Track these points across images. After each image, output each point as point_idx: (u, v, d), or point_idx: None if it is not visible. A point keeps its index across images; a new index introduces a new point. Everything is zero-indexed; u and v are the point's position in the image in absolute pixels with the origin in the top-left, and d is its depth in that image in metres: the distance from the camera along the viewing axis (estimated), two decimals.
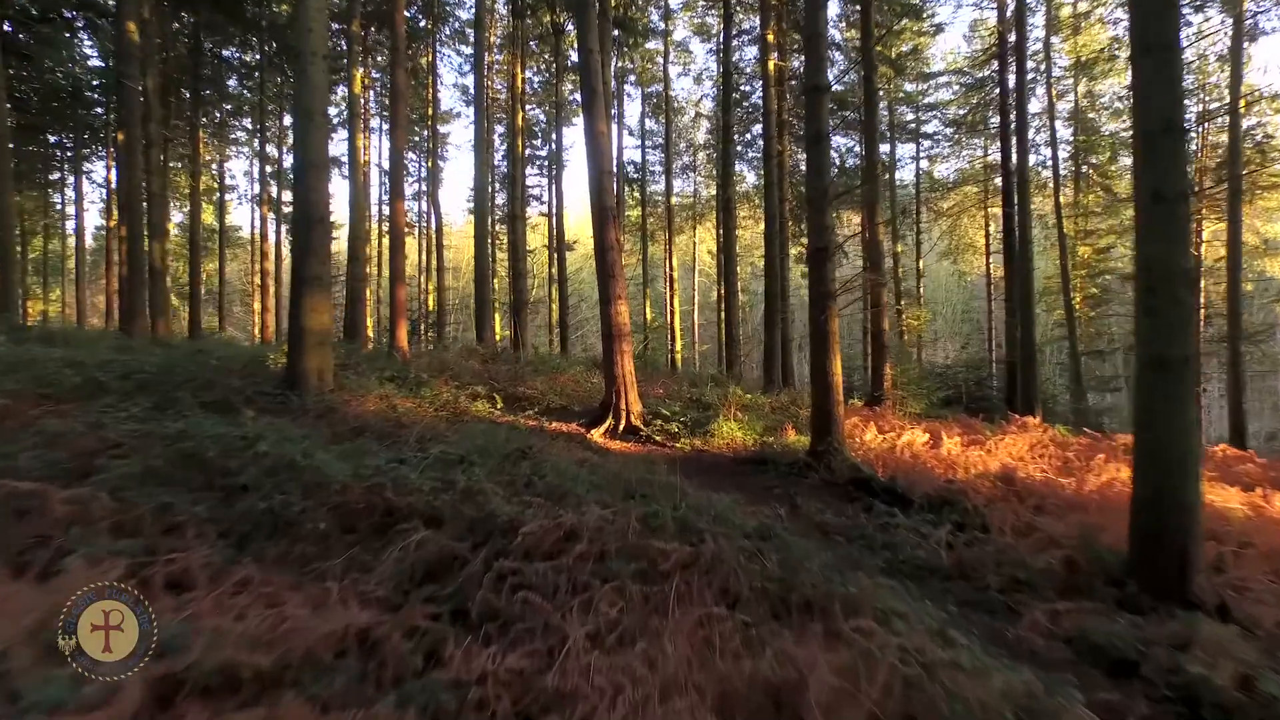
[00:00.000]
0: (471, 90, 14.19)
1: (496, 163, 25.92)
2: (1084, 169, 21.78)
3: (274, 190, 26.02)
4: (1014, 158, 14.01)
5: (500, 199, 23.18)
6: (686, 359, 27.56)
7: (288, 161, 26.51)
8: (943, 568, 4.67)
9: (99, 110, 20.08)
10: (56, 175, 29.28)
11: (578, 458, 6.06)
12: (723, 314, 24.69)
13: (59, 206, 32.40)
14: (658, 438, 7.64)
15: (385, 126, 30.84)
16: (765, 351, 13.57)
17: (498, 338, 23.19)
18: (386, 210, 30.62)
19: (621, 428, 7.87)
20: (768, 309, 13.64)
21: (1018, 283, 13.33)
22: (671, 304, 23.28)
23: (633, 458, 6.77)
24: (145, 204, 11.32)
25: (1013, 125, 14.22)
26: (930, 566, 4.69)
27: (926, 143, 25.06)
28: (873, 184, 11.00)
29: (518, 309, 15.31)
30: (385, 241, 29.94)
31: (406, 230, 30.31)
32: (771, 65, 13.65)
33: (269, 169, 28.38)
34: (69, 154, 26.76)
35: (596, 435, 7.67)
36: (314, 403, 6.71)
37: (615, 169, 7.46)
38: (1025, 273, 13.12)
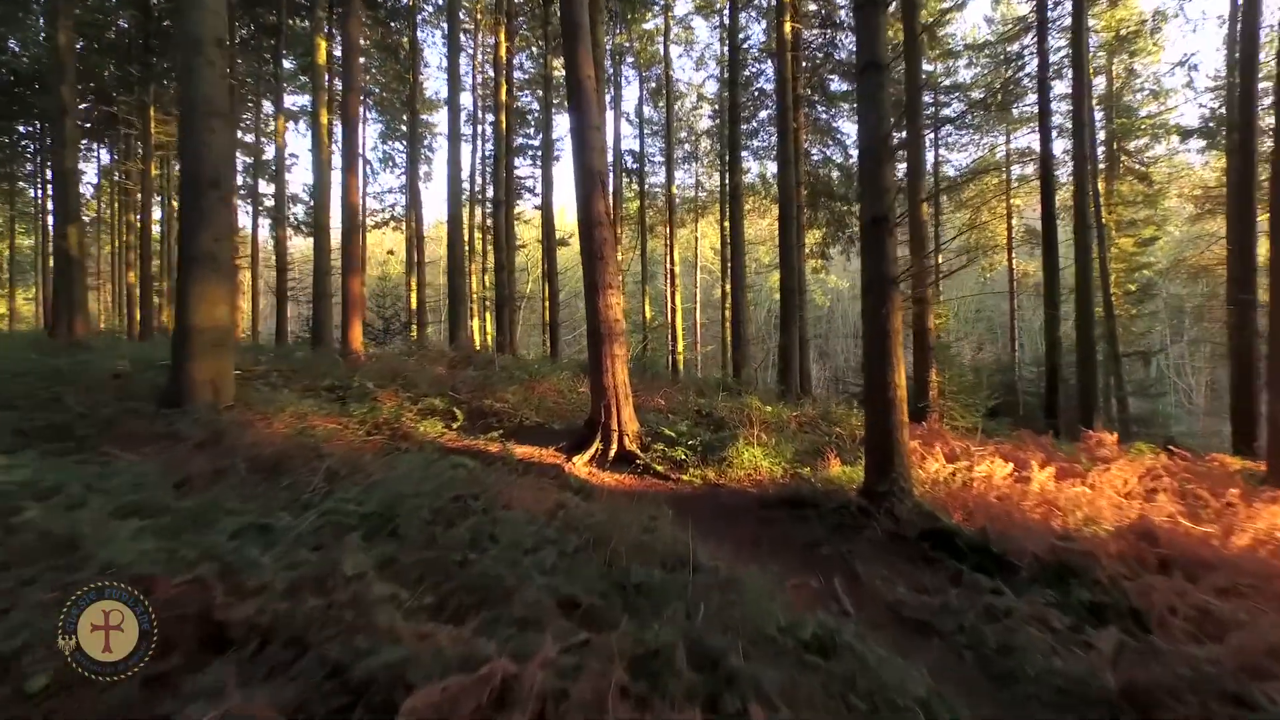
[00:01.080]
0: (446, 63, 12.60)
1: (487, 154, 24.23)
2: (1120, 155, 20.07)
3: (251, 180, 24.32)
4: (1057, 138, 12.31)
5: (490, 191, 21.46)
6: (689, 361, 25.85)
7: (268, 154, 24.85)
8: (1108, 697, 2.91)
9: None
10: (31, 167, 27.62)
11: (548, 506, 4.34)
12: (728, 312, 22.99)
13: (36, 199, 30.76)
14: (659, 467, 5.91)
15: (367, 114, 29.32)
16: (781, 354, 11.85)
17: (487, 338, 21.47)
18: (363, 199, 28.96)
19: (612, 453, 6.14)
20: (784, 305, 11.93)
21: (1074, 274, 11.62)
22: (673, 301, 21.56)
23: (626, 501, 5.07)
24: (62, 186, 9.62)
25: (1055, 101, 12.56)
26: (1086, 693, 2.94)
27: (946, 129, 23.30)
28: (918, 143, 9.30)
29: (501, 306, 13.59)
30: (362, 236, 28.27)
31: (391, 224, 28.67)
32: (787, 27, 11.94)
33: (248, 159, 26.69)
34: (39, 144, 25.05)
35: (579, 465, 5.95)
36: (199, 426, 5.01)
37: (602, 125, 5.90)
38: (1084, 263, 11.41)
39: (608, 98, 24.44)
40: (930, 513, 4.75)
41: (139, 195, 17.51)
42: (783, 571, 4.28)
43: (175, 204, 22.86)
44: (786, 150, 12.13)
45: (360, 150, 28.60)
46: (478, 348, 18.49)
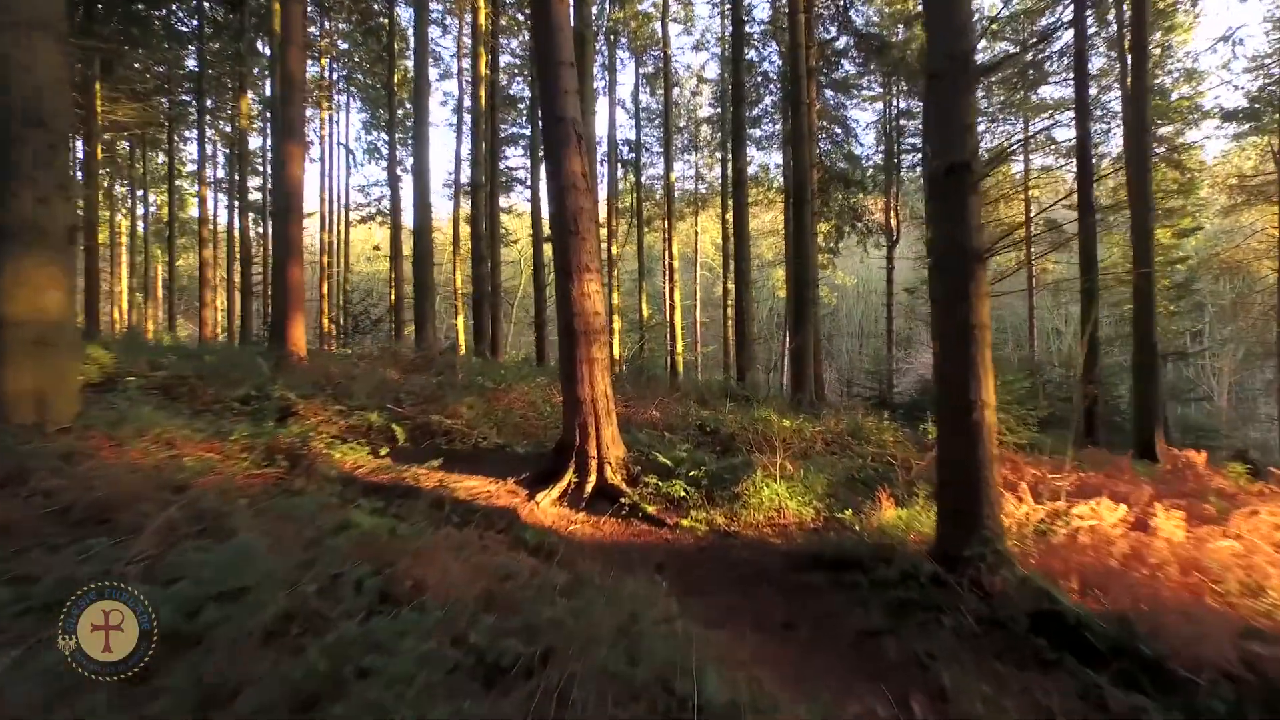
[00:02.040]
0: (413, 31, 11.17)
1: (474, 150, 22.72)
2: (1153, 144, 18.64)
3: (219, 170, 22.87)
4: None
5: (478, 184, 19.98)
6: (688, 362, 24.39)
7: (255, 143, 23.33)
8: None
9: None
10: None
11: (483, 584, 2.91)
12: (730, 310, 21.53)
13: None
14: (650, 508, 4.45)
15: (352, 103, 27.88)
16: (793, 357, 10.39)
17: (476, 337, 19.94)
18: (346, 192, 27.49)
19: (589, 488, 4.68)
20: (796, 300, 10.48)
21: (1133, 264, 10.17)
22: (671, 298, 20.10)
23: (602, 563, 3.63)
24: None
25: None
26: None
27: None
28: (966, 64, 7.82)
29: (480, 302, 12.12)
30: (343, 230, 26.77)
31: (379, 218, 27.17)
32: None
33: (223, 148, 25.24)
34: None
35: (545, 505, 4.49)
36: (9, 454, 3.56)
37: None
38: (1143, 251, 9.95)
39: (601, 83, 22.99)
40: (1040, 588, 3.29)
41: None
42: (832, 682, 2.86)
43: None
44: (800, 125, 10.68)
45: (346, 142, 27.12)
46: (463, 349, 17.06)
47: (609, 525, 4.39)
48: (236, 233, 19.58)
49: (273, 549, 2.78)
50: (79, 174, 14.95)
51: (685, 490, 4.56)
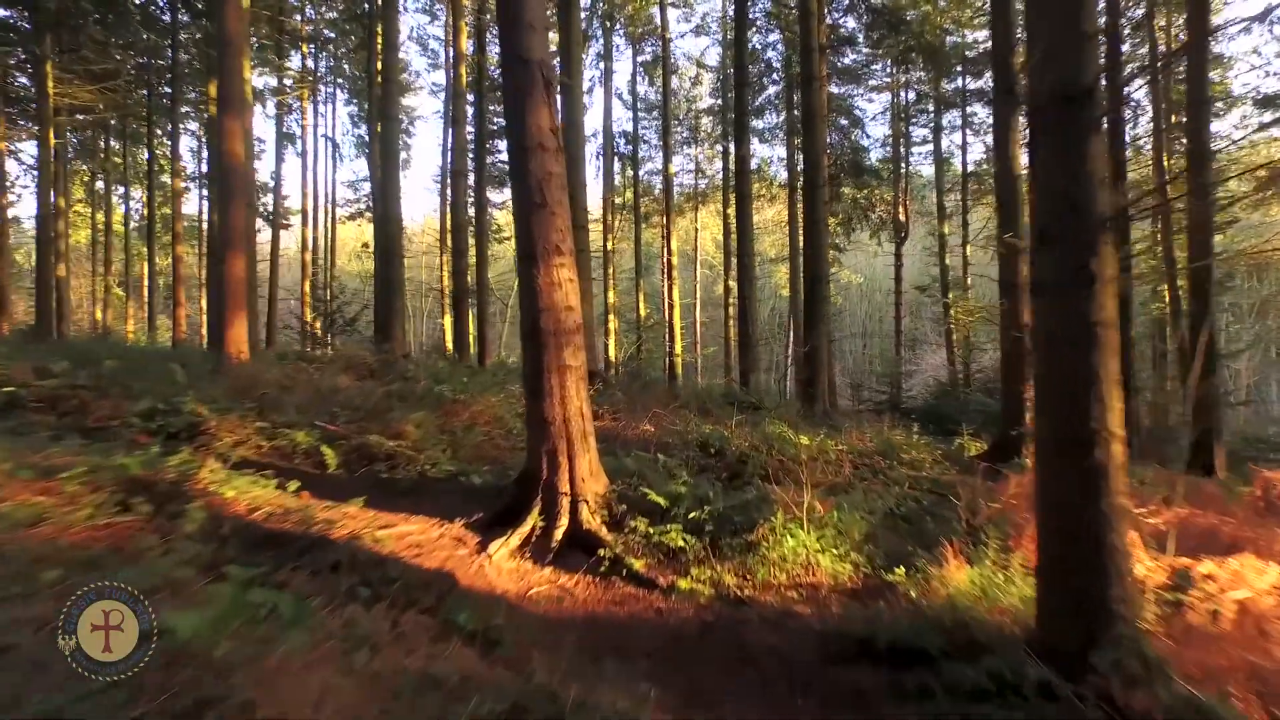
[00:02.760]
0: None
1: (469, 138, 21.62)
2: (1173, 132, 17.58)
3: (204, 165, 21.81)
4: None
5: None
6: (688, 364, 23.33)
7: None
8: None
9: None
10: None
11: (381, 706, 1.87)
12: (732, 309, 20.47)
13: None
14: (637, 564, 3.38)
15: (339, 94, 26.76)
16: (805, 360, 9.32)
17: (469, 340, 18.85)
18: (333, 187, 26.40)
19: (559, 534, 3.60)
20: (808, 297, 9.41)
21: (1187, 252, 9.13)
22: (670, 297, 19.04)
23: (567, 653, 2.58)
24: None
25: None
26: None
27: (977, 104, 20.69)
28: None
29: (460, 300, 11.04)
30: (330, 227, 25.66)
31: (366, 214, 26.05)
32: None
33: (204, 139, 24.26)
34: None
35: (499, 559, 3.42)
36: None
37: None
38: (1202, 242, 8.88)
39: (597, 71, 21.96)
40: (1211, 711, 2.21)
41: None
42: None
43: None
44: (812, 101, 9.60)
45: (330, 135, 26.01)
46: (450, 350, 15.96)
47: (582, 587, 3.32)
48: (205, 226, 18.49)
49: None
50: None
51: (684, 539, 3.49)
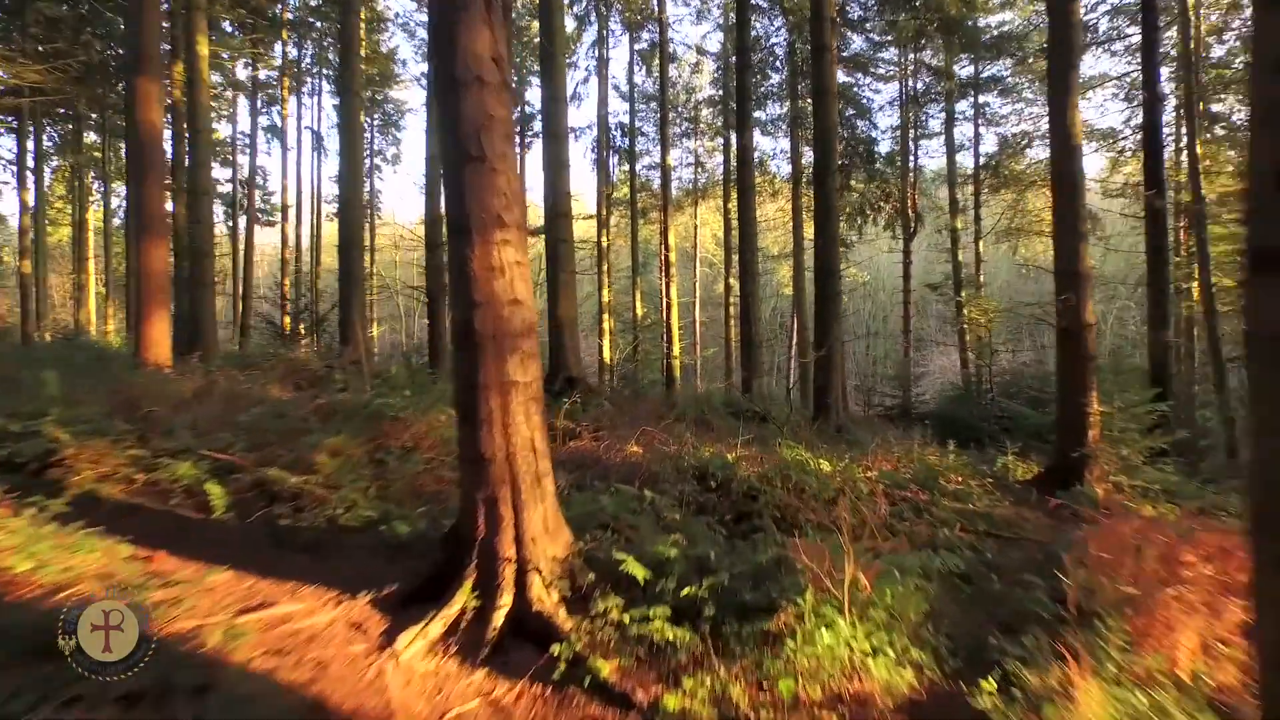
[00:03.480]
0: None
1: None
2: (1203, 121, 16.56)
3: None
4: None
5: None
6: (687, 367, 22.30)
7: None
8: None
9: None
10: None
11: None
12: (733, 308, 19.44)
13: None
14: (605, 669, 2.34)
15: (325, 86, 25.71)
16: (817, 367, 8.28)
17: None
18: (318, 182, 25.33)
19: (499, 621, 2.57)
20: (820, 294, 8.39)
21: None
22: (668, 295, 18.01)
23: None
24: None
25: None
26: None
27: (989, 94, 19.62)
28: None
29: (432, 298, 10.02)
30: (315, 223, 24.60)
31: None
32: None
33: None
34: None
35: (410, 658, 2.37)
36: None
37: None
38: (1265, 230, 7.82)
39: (592, 60, 20.94)
40: None
41: None
42: None
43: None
44: (823, 75, 8.57)
45: (315, 128, 24.96)
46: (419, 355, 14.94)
47: (526, 705, 2.29)
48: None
49: None
50: None
51: (673, 632, 2.45)
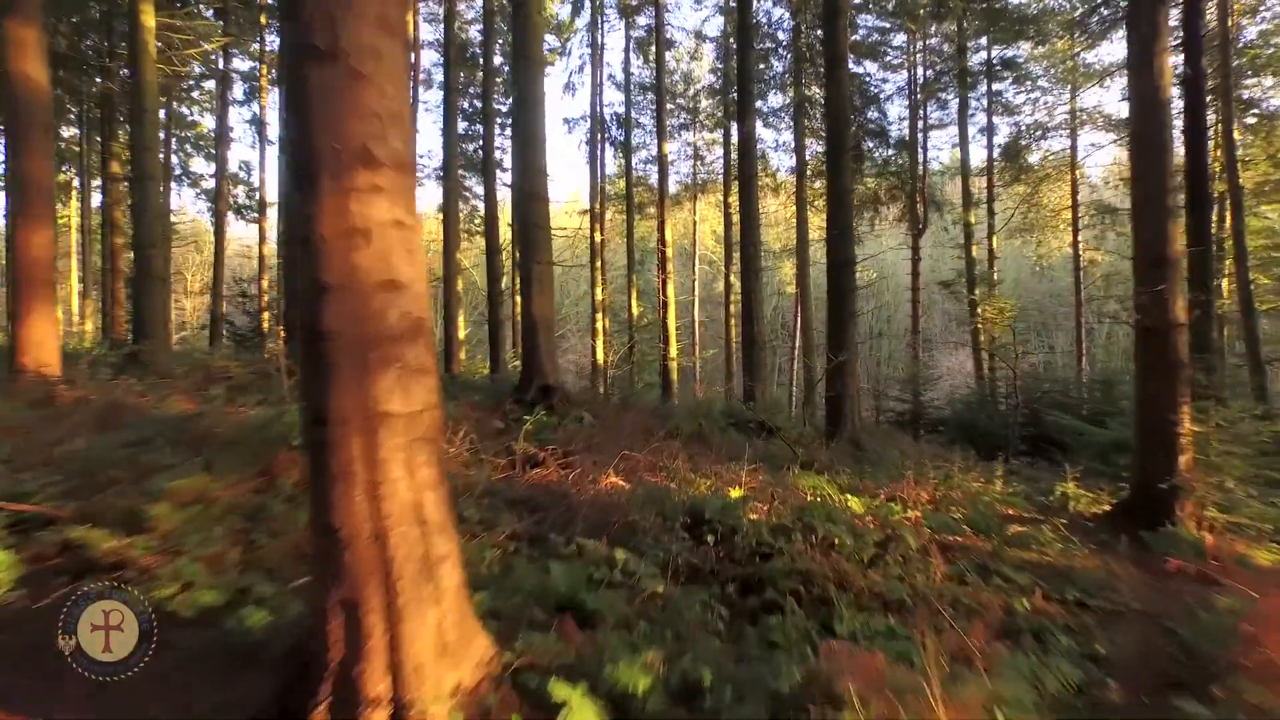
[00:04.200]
0: None
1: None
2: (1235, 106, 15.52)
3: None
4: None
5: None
6: (685, 369, 21.27)
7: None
8: None
9: None
10: None
11: None
12: (734, 307, 18.41)
13: None
14: None
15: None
16: (831, 377, 7.25)
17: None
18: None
19: None
20: (835, 288, 7.37)
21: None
22: (665, 293, 16.99)
23: None
24: None
25: None
26: None
27: (1005, 83, 18.57)
28: None
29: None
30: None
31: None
32: None
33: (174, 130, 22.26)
34: None
35: None
36: None
37: None
38: None
39: (586, 49, 19.96)
40: None
41: None
42: None
43: None
44: (837, 44, 7.55)
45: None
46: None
47: None
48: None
49: None
50: None
51: None
